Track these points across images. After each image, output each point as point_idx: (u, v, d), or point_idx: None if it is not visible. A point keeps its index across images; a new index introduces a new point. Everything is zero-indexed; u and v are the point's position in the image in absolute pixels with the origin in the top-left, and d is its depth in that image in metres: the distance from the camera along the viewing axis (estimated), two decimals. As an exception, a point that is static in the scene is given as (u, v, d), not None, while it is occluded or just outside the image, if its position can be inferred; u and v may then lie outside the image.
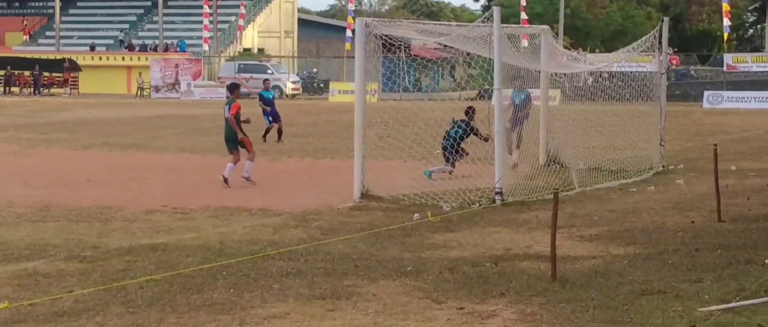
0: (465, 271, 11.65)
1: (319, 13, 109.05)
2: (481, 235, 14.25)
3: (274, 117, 30.39)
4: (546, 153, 22.26)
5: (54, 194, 18.40)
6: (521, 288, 10.82)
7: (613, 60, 28.06)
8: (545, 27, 22.57)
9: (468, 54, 22.23)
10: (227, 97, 21.45)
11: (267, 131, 30.06)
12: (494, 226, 15.03)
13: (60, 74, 69.12)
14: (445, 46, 25.57)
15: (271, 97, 31.13)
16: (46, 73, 69.12)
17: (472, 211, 16.43)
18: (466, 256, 12.69)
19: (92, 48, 75.19)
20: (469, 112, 20.80)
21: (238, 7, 74.76)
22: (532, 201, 17.48)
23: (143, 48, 74.13)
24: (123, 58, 73.00)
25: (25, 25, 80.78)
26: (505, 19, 18.32)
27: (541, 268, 11.69)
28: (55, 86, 69.21)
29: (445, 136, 20.80)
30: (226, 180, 19.74)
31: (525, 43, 23.98)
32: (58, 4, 77.49)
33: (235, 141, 20.12)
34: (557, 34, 62.94)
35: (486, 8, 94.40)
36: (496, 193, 17.32)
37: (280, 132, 30.34)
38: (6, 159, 25.14)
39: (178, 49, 73.29)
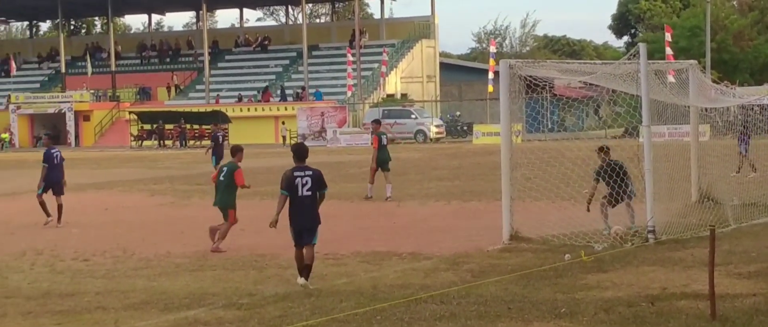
0: (621, 312, 11.49)
1: (460, 57, 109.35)
2: (636, 275, 14.04)
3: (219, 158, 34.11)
4: (698, 189, 21.82)
5: (210, 244, 18.83)
6: (680, 328, 10.62)
7: (765, 93, 27.37)
8: (693, 62, 22.20)
9: (613, 92, 21.98)
10: (376, 129, 27.75)
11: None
12: (649, 265, 14.79)
13: (210, 126, 71.08)
14: (589, 84, 25.33)
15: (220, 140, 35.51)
16: (195, 126, 71.24)
17: (624, 251, 16.20)
18: (621, 296, 12.51)
19: (240, 99, 77.00)
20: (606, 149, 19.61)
21: (380, 54, 75.65)
22: (686, 239, 17.14)
23: (283, 98, 75.53)
24: (270, 109, 74.54)
25: (174, 80, 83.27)
26: (650, 55, 18.07)
27: (700, 308, 11.44)
28: (206, 138, 71.11)
29: (617, 180, 18.34)
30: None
31: (671, 78, 23.63)
32: (207, 59, 79.74)
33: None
34: (704, 68, 61.78)
35: (630, 45, 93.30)
36: (649, 232, 17.04)
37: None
38: (163, 210, 25.89)
39: (314, 98, 74.52)
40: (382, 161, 26.94)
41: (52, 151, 23.37)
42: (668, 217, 18.25)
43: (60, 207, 22.78)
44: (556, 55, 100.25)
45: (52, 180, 22.98)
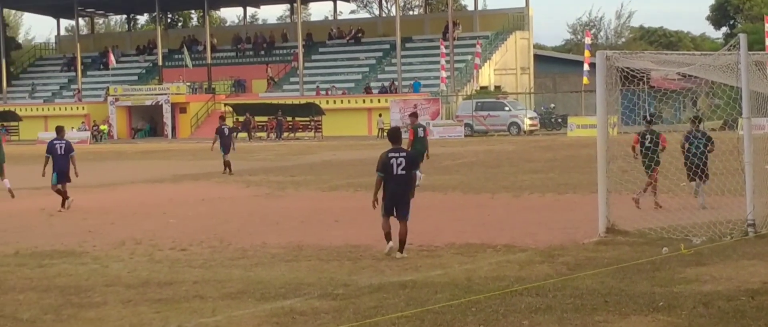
0: (720, 306, 11.31)
1: (555, 49, 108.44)
2: (735, 269, 13.80)
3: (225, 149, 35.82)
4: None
5: (305, 234, 19.01)
6: (781, 323, 10.42)
7: None
8: (794, 52, 21.74)
9: (712, 83, 21.63)
10: (413, 122, 28.21)
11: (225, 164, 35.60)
12: (748, 259, 14.53)
13: (305, 118, 71.68)
14: (686, 76, 24.95)
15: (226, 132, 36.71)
16: (289, 118, 71.92)
17: (723, 244, 15.93)
18: (720, 290, 12.32)
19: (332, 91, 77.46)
20: (696, 121, 21.41)
21: (474, 46, 75.39)
22: (787, 233, 16.80)
23: (383, 90, 75.76)
24: (363, 101, 74.83)
25: (269, 72, 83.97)
26: (749, 46, 17.74)
27: (802, 302, 11.22)
28: (300, 130, 71.77)
29: (689, 156, 20.65)
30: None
31: (772, 70, 23.13)
32: (301, 51, 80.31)
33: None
34: (806, 58, 60.32)
35: (728, 36, 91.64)
36: (749, 225, 16.73)
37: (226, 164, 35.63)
38: (258, 201, 26.16)
39: (412, 90, 74.58)
40: (418, 153, 27.62)
41: (55, 142, 25.03)
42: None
43: (64, 193, 24.56)
44: (652, 47, 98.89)
45: (58, 169, 24.66)
